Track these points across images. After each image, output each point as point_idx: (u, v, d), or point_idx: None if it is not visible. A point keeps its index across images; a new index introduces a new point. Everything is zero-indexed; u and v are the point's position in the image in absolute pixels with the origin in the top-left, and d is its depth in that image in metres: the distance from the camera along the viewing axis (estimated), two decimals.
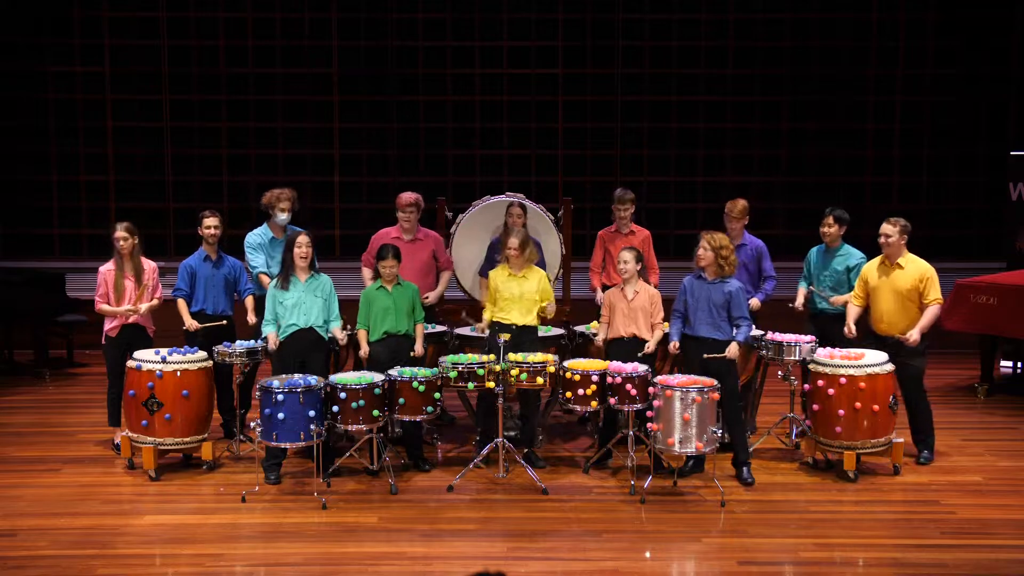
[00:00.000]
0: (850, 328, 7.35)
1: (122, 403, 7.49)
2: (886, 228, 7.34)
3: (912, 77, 12.04)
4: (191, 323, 7.59)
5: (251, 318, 7.67)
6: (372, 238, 8.17)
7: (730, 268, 7.04)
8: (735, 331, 6.98)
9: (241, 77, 11.94)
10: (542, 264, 7.91)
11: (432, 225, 8.54)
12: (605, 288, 8.01)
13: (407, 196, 8.09)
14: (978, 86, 12.05)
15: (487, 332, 7.45)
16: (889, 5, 11.97)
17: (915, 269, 7.32)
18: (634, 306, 7.26)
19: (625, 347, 7.23)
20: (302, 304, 7.17)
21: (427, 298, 7.92)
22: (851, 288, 7.62)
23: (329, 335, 7.30)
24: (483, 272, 8.08)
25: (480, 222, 8.36)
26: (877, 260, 7.44)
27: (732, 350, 6.93)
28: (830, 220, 7.75)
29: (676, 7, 11.97)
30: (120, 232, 7.49)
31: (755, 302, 7.87)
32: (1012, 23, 11.96)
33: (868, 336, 7.41)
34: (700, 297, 7.01)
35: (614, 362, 7.04)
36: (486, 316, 7.48)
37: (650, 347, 7.17)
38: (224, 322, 7.70)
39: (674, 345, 7.06)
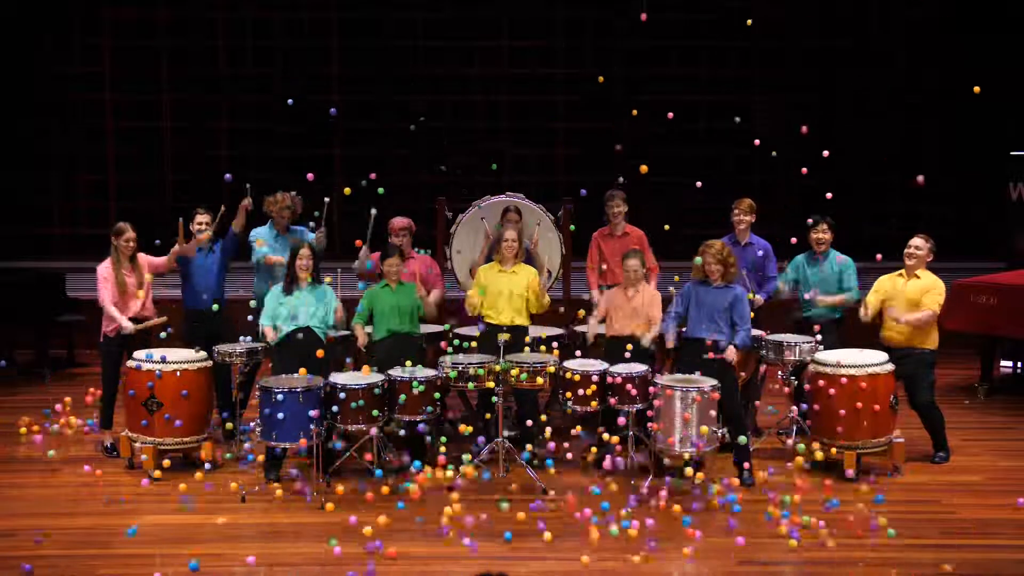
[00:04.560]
0: (866, 309, 7.40)
1: (115, 405, 7.53)
2: (918, 242, 7.41)
3: (912, 77, 12.05)
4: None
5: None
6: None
7: (734, 272, 7.05)
8: (735, 335, 6.98)
9: (241, 77, 11.93)
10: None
11: (432, 225, 8.54)
12: (602, 288, 8.02)
13: (400, 221, 8.10)
14: (978, 86, 12.04)
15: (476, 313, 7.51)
16: (890, 5, 11.97)
17: (929, 280, 7.42)
18: (634, 305, 7.29)
19: (624, 347, 7.23)
20: (302, 305, 7.20)
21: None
22: (841, 291, 7.70)
23: (330, 322, 7.32)
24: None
25: (480, 222, 8.34)
26: (894, 273, 7.49)
27: (730, 353, 6.93)
28: (824, 227, 7.78)
29: (675, 7, 11.97)
30: (131, 233, 7.50)
31: (758, 299, 7.88)
32: (1012, 23, 11.96)
33: (876, 347, 7.44)
34: (704, 301, 7.01)
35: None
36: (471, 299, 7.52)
37: (646, 340, 7.17)
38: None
39: (671, 341, 7.06)
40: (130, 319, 7.49)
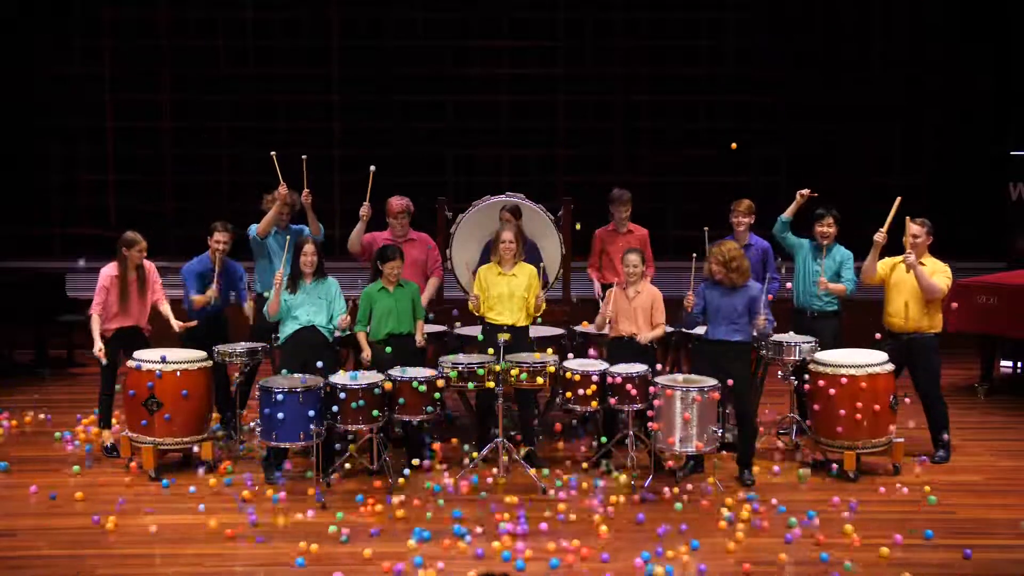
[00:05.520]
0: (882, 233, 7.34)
1: (113, 404, 7.53)
2: (915, 229, 7.39)
3: (913, 78, 12.04)
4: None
5: (249, 313, 7.72)
6: (363, 240, 8.13)
7: (742, 275, 6.98)
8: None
9: (241, 77, 11.93)
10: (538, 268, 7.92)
11: (433, 225, 8.53)
12: (604, 287, 8.01)
13: (397, 203, 8.02)
14: (978, 86, 12.04)
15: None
16: (891, 6, 11.97)
17: (934, 265, 7.44)
18: (635, 305, 7.28)
19: (625, 346, 7.23)
20: (306, 304, 7.21)
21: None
22: (839, 282, 7.67)
23: (334, 326, 7.31)
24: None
25: (480, 222, 8.35)
26: (899, 259, 7.46)
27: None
28: (830, 220, 7.76)
29: (676, 7, 11.96)
30: (144, 243, 7.42)
31: None
32: (1012, 23, 11.95)
33: (883, 335, 7.43)
34: (721, 304, 6.98)
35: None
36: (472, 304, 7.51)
37: (643, 338, 7.18)
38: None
39: (689, 297, 7.02)
40: (130, 326, 7.47)
